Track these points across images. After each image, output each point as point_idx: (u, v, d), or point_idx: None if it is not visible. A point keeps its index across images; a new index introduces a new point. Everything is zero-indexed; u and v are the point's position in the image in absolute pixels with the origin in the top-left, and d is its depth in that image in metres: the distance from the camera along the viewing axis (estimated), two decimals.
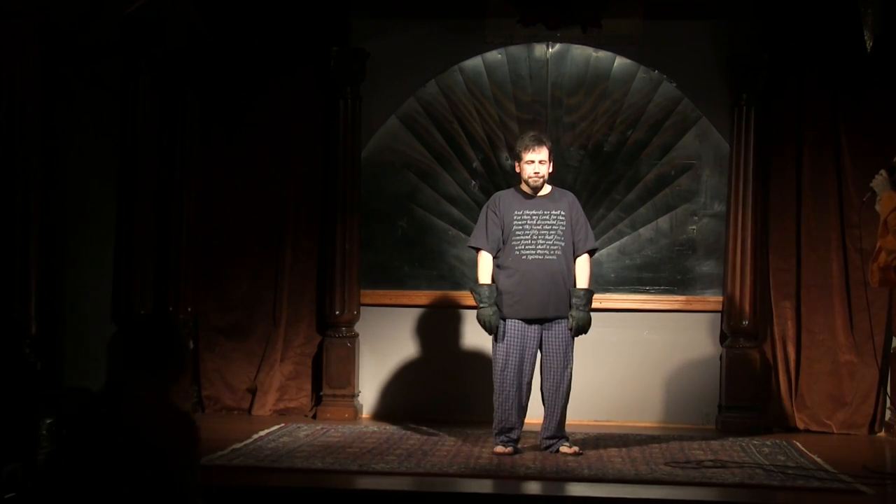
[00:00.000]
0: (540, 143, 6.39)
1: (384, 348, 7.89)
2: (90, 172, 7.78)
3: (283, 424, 7.27)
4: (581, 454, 6.31)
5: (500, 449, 6.31)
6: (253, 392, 7.84)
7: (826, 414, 7.47)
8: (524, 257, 6.33)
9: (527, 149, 6.37)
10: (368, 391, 7.87)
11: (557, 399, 6.36)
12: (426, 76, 7.89)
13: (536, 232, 6.34)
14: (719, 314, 7.65)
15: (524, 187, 6.45)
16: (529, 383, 6.38)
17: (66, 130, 7.72)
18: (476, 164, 7.88)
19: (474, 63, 7.87)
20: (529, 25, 7.78)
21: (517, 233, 6.34)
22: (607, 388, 7.66)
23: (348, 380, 7.72)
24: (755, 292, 7.48)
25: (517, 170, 6.47)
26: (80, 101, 7.73)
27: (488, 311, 6.30)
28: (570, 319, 6.31)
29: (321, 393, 7.76)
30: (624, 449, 6.59)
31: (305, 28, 7.80)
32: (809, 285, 7.54)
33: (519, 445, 6.38)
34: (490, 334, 6.35)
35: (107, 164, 7.38)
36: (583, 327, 6.36)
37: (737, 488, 5.55)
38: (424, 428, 7.22)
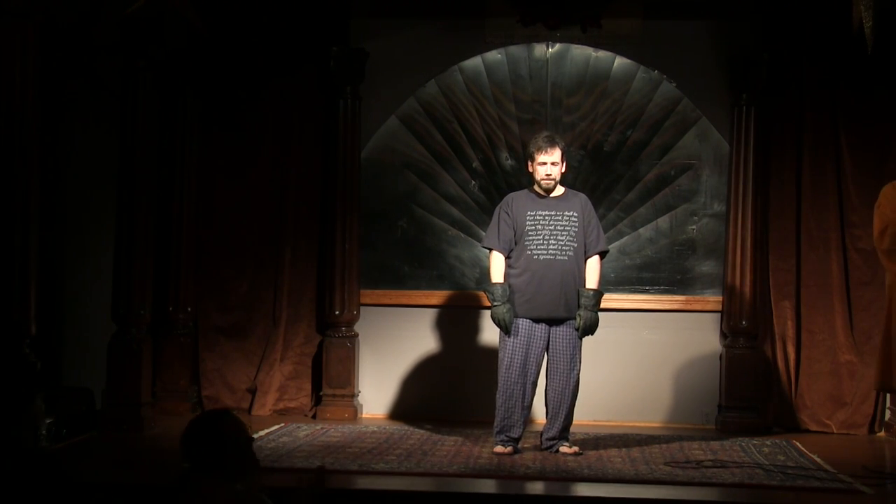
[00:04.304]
0: (553, 144, 6.38)
1: (384, 348, 7.90)
2: (90, 172, 7.78)
3: (282, 424, 7.27)
4: (581, 454, 6.31)
5: (499, 449, 6.30)
6: (253, 392, 7.84)
7: (826, 414, 7.48)
8: (536, 257, 6.32)
9: (540, 150, 6.35)
10: (368, 391, 7.87)
11: (563, 401, 6.35)
12: (426, 76, 7.89)
13: (549, 232, 6.34)
14: (719, 314, 7.66)
15: (537, 188, 6.45)
16: (534, 383, 6.37)
17: (66, 130, 7.72)
18: (476, 164, 7.88)
19: (474, 63, 7.87)
20: (529, 25, 7.79)
21: (529, 233, 6.34)
22: (607, 388, 7.66)
23: (348, 380, 7.72)
24: (755, 292, 7.48)
25: (530, 170, 6.47)
26: (80, 101, 7.73)
27: (502, 309, 6.28)
28: (578, 319, 6.30)
29: (321, 393, 7.76)
30: (624, 449, 6.59)
31: (305, 28, 7.80)
32: (809, 285, 7.54)
33: (520, 445, 6.38)
34: (506, 333, 6.33)
35: (107, 164, 7.38)
36: (590, 327, 6.34)
37: (737, 488, 5.55)
38: (425, 425, 7.23)
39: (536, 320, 6.31)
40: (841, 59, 7.43)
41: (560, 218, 6.37)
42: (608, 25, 7.75)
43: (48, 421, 6.38)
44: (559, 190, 6.46)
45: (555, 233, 6.34)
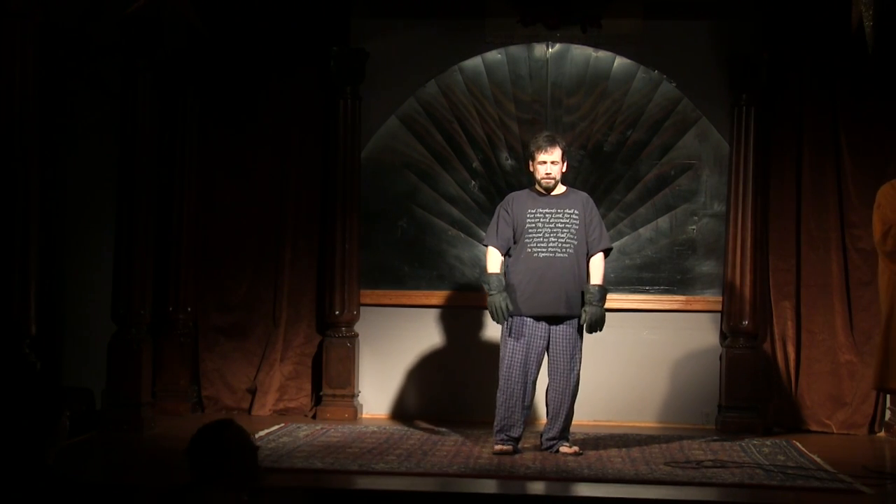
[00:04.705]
0: (553, 143, 6.38)
1: (384, 348, 7.89)
2: (90, 172, 7.79)
3: (282, 424, 7.27)
4: (581, 454, 6.30)
5: (499, 447, 6.30)
6: (253, 392, 7.84)
7: (826, 414, 7.47)
8: (536, 255, 6.32)
9: (540, 149, 6.36)
10: (368, 391, 7.87)
11: (563, 401, 6.34)
12: (426, 76, 7.89)
13: (549, 230, 6.34)
14: (719, 314, 7.65)
15: (538, 187, 6.46)
16: (534, 382, 6.36)
17: (66, 130, 7.73)
18: (476, 164, 7.88)
19: (474, 63, 7.87)
20: (529, 25, 7.79)
21: (530, 231, 6.34)
22: (607, 388, 7.66)
23: (348, 380, 7.71)
24: (755, 292, 7.48)
25: (530, 169, 6.48)
26: (80, 101, 7.73)
27: (498, 298, 6.26)
28: (583, 315, 6.27)
29: (321, 393, 7.76)
30: (624, 449, 6.59)
31: (305, 28, 7.80)
32: (809, 285, 7.54)
33: (520, 445, 6.37)
34: (501, 320, 6.28)
35: (107, 164, 7.38)
36: (596, 323, 6.29)
37: (737, 488, 5.55)
38: (425, 424, 7.24)
39: (537, 318, 6.31)
40: (841, 59, 7.42)
41: (561, 215, 6.36)
42: (608, 25, 7.75)
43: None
44: (560, 189, 6.47)
45: (555, 230, 6.34)
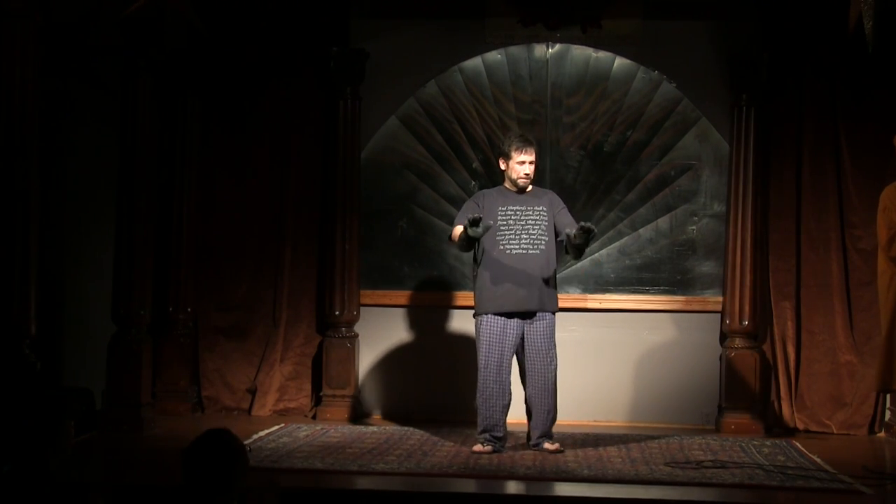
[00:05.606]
0: (530, 144, 6.46)
1: (384, 348, 7.89)
2: (90, 172, 7.79)
3: (282, 425, 7.27)
4: (562, 451, 6.30)
5: (478, 448, 6.32)
6: (253, 392, 7.84)
7: (826, 414, 7.47)
8: (509, 252, 6.35)
9: (518, 150, 6.40)
10: (368, 391, 7.87)
11: (544, 398, 6.35)
12: (426, 76, 7.89)
13: (520, 227, 6.38)
14: (719, 314, 7.65)
15: (508, 185, 6.49)
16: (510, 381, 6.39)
17: (66, 130, 7.73)
18: (476, 164, 7.88)
19: (474, 63, 7.87)
20: (529, 25, 7.79)
21: (501, 228, 6.37)
22: (607, 388, 7.66)
23: (348, 380, 7.71)
24: (755, 292, 7.48)
25: (503, 167, 6.51)
26: (80, 101, 7.73)
27: (478, 230, 6.06)
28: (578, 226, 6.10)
29: (321, 393, 7.76)
30: (624, 449, 6.59)
31: (305, 29, 7.80)
32: (809, 285, 7.54)
33: (505, 444, 6.39)
34: (480, 233, 6.09)
35: (107, 165, 7.38)
36: (589, 230, 6.08)
37: (737, 488, 5.55)
38: (421, 432, 7.24)
39: (510, 316, 6.33)
40: (841, 59, 7.42)
41: (531, 213, 6.41)
42: (608, 26, 7.75)
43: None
44: (529, 187, 6.51)
45: (526, 227, 6.38)
